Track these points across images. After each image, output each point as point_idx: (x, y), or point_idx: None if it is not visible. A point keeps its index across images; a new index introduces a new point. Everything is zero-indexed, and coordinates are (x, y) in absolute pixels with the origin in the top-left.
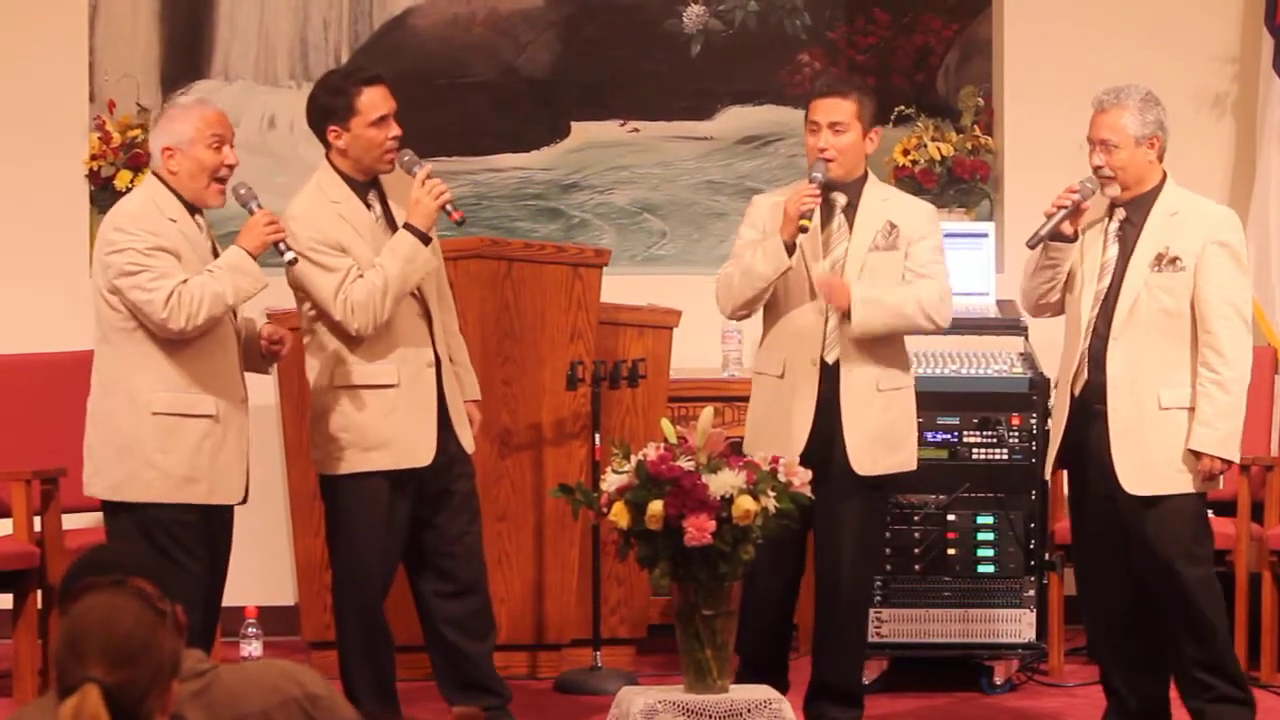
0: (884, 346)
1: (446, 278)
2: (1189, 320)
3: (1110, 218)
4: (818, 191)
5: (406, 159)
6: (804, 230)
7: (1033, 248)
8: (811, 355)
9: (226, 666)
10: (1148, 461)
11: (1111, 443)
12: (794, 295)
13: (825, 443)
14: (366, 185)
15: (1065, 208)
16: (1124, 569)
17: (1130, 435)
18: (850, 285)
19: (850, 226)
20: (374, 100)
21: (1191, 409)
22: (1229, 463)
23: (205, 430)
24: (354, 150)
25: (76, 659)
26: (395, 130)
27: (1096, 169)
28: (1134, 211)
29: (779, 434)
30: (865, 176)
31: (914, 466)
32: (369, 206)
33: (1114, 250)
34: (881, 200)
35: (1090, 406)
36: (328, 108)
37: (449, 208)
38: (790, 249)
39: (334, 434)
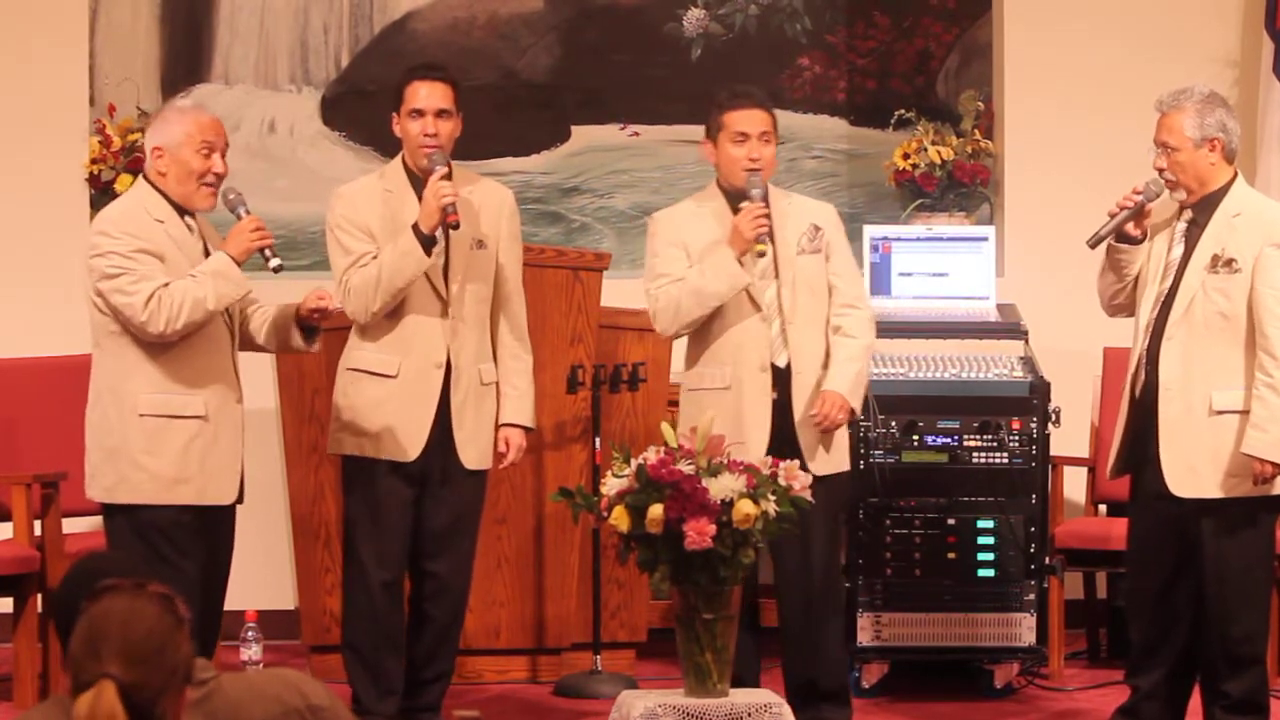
0: (825, 349)
1: (520, 300)
2: (1245, 323)
3: (1179, 219)
4: (768, 210)
5: (436, 158)
6: (761, 255)
7: (1093, 247)
8: (760, 362)
9: (229, 675)
10: (1194, 465)
11: (1160, 444)
12: (733, 308)
13: (781, 446)
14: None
15: (1128, 208)
16: (1170, 571)
17: (1178, 437)
18: (835, 392)
19: (770, 232)
20: (416, 92)
21: (1245, 412)
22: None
23: (194, 431)
24: (403, 141)
25: (93, 656)
26: (430, 127)
27: (1159, 172)
28: (1200, 213)
29: (731, 443)
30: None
31: (848, 467)
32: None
33: (1178, 251)
34: (788, 203)
35: (1148, 407)
36: (393, 97)
37: (448, 209)
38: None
39: (335, 414)
